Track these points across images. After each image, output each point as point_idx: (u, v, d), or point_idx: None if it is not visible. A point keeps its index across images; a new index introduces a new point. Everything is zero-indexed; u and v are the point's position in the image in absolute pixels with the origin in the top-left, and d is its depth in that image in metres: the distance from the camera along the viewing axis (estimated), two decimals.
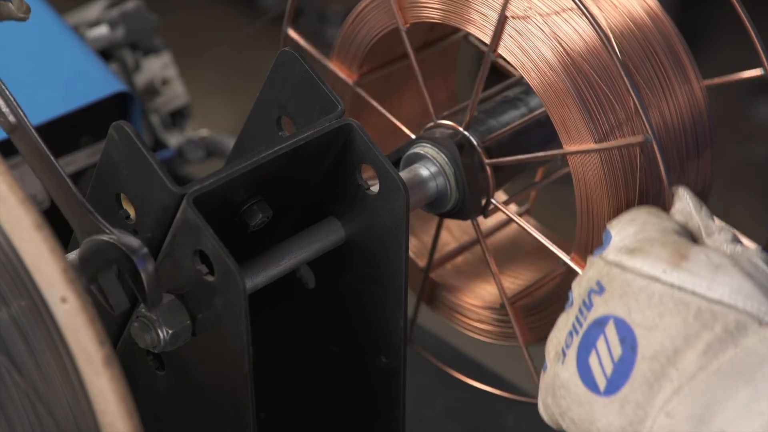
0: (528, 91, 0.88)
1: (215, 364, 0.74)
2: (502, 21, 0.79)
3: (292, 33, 0.91)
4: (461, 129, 0.84)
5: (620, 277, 0.69)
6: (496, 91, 0.90)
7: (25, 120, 0.69)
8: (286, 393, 0.88)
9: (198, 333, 0.73)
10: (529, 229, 0.84)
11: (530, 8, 0.79)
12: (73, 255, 0.69)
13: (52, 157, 0.68)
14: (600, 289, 0.69)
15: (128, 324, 0.75)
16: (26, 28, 1.10)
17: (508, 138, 0.86)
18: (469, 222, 0.87)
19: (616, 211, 0.79)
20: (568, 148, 0.79)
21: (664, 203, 0.77)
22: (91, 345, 0.59)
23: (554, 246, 0.83)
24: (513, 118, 0.87)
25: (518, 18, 0.79)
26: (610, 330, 0.68)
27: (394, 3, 0.85)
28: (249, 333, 0.71)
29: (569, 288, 0.84)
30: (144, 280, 0.67)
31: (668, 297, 0.67)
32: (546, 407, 0.73)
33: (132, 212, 0.73)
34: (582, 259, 0.82)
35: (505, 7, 0.78)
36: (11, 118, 0.69)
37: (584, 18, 0.76)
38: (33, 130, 0.68)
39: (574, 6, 0.77)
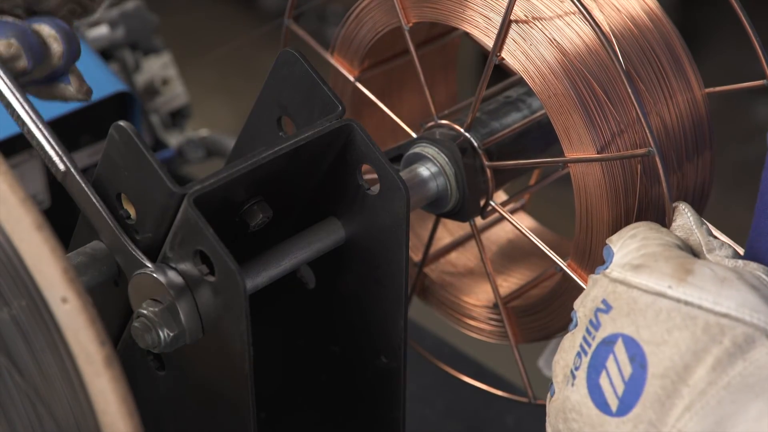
0: (530, 92, 0.88)
1: (215, 364, 0.74)
2: (506, 25, 0.79)
3: (293, 26, 0.91)
4: (462, 130, 0.84)
5: (626, 294, 0.68)
6: (497, 90, 0.90)
7: (74, 167, 0.73)
8: (286, 393, 0.88)
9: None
10: (527, 234, 0.84)
11: (534, 12, 0.79)
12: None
13: (102, 203, 0.73)
14: (606, 307, 0.69)
15: (128, 324, 0.75)
16: None
17: (509, 140, 0.86)
18: None
19: (616, 220, 0.79)
20: (570, 155, 0.79)
21: (664, 212, 0.77)
22: (92, 345, 0.59)
23: (551, 251, 0.83)
24: (514, 120, 0.87)
25: (521, 22, 0.79)
26: (619, 349, 0.67)
27: (397, 2, 0.85)
28: (249, 333, 0.71)
29: (564, 293, 0.84)
30: (181, 313, 0.71)
31: (676, 312, 0.66)
32: None
33: (132, 212, 0.73)
34: (579, 266, 0.82)
35: (509, 11, 0.78)
36: (61, 167, 0.73)
37: (587, 23, 0.76)
38: (82, 177, 0.72)
39: (577, 10, 0.77)
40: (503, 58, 0.80)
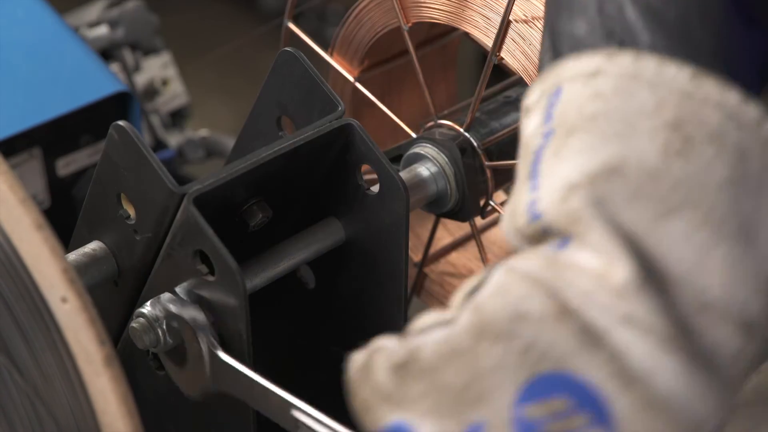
0: None
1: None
2: (505, 25, 0.79)
3: (292, 26, 0.91)
4: (462, 130, 0.84)
5: None
6: (497, 90, 0.90)
7: None
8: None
9: None
10: None
11: (533, 12, 0.79)
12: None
13: None
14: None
15: (128, 324, 0.75)
16: (26, 28, 1.10)
17: (509, 140, 0.86)
18: None
19: None
20: None
21: None
22: (92, 345, 0.60)
23: None
24: (514, 119, 0.87)
25: (521, 21, 0.79)
26: None
27: (396, 2, 0.85)
28: (249, 333, 0.71)
29: None
30: (204, 355, 0.71)
31: None
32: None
33: (132, 212, 0.73)
34: None
35: (508, 11, 0.78)
36: None
37: None
38: None
39: None
40: (503, 58, 0.80)
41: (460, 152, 0.83)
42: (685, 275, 0.54)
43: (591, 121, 0.56)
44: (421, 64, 0.86)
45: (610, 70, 0.56)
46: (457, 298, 0.58)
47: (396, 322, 0.79)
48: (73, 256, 0.74)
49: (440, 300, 0.94)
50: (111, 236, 0.74)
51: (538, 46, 0.78)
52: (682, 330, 0.53)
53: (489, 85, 0.88)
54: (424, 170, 0.83)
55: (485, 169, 0.84)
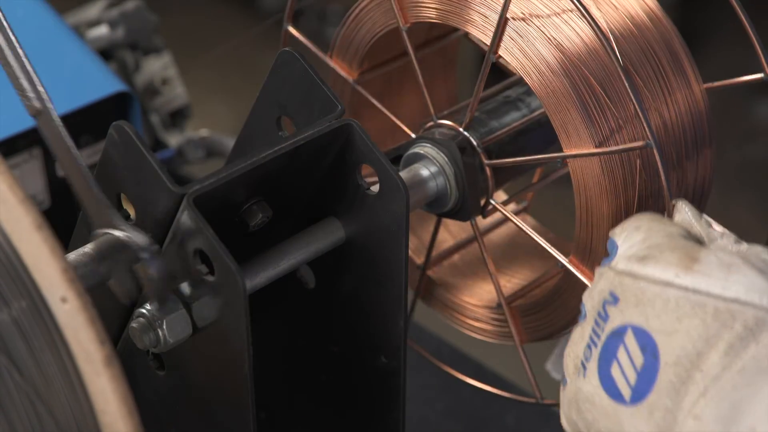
0: (530, 91, 0.88)
1: (215, 364, 0.74)
2: (502, 22, 0.79)
3: (292, 30, 0.91)
4: (461, 129, 0.84)
5: (633, 285, 0.68)
6: (497, 90, 0.90)
7: (50, 106, 0.69)
8: (286, 393, 0.88)
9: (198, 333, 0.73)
10: (528, 231, 0.84)
11: (531, 10, 0.79)
12: (86, 249, 0.69)
13: (74, 147, 0.69)
14: (614, 299, 0.69)
15: (128, 324, 0.75)
16: (26, 28, 1.10)
17: (509, 139, 0.86)
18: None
19: (616, 215, 0.79)
20: (568, 151, 0.79)
21: (663, 206, 0.77)
22: (92, 345, 0.59)
23: (553, 248, 0.83)
24: (514, 119, 0.87)
25: (519, 19, 0.79)
26: (630, 339, 0.68)
27: (394, 2, 0.85)
28: (249, 333, 0.71)
29: (567, 290, 0.84)
30: (151, 277, 0.69)
31: (684, 300, 0.66)
32: (571, 422, 0.72)
33: (132, 212, 0.73)
34: (580, 262, 0.82)
35: (505, 8, 0.78)
36: (36, 103, 0.70)
37: (585, 20, 0.76)
38: (57, 118, 0.69)
39: (575, 8, 0.77)
40: (500, 56, 0.80)
41: (460, 151, 0.83)
42: None
43: None
44: (420, 66, 0.86)
45: None
46: None
47: (396, 322, 0.79)
48: (73, 256, 0.74)
49: (444, 303, 0.94)
50: None
51: (536, 44, 0.78)
52: None
53: (490, 85, 0.88)
54: (423, 170, 0.84)
55: (485, 167, 0.84)
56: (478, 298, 0.93)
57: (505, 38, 0.80)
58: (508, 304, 0.88)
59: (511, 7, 0.79)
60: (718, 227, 0.75)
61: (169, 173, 0.71)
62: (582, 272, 0.81)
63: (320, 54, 0.91)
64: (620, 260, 0.70)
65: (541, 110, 0.87)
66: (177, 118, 1.33)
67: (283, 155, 0.74)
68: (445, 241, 0.97)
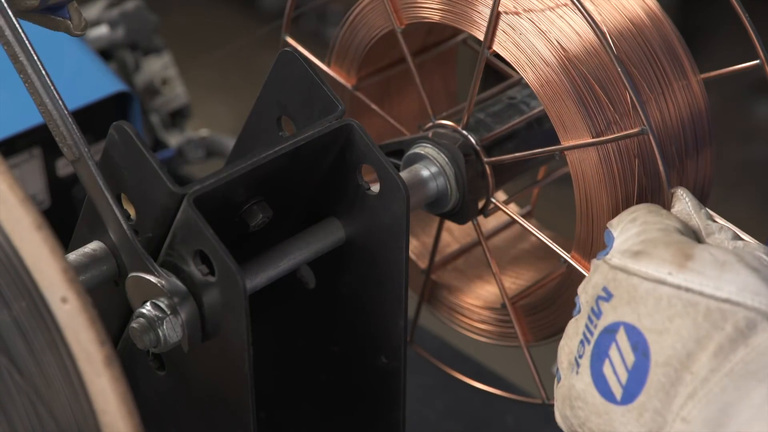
0: (533, 95, 0.88)
1: (216, 364, 0.74)
2: (495, 17, 0.79)
3: (290, 40, 0.91)
4: (460, 129, 0.84)
5: (626, 281, 0.68)
6: (498, 91, 0.90)
7: (86, 153, 0.72)
8: (286, 393, 0.88)
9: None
10: (528, 227, 0.84)
11: (523, 4, 0.79)
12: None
13: (111, 193, 0.72)
14: (607, 295, 0.69)
15: (128, 324, 0.75)
16: (26, 28, 1.10)
17: (508, 138, 0.86)
18: (469, 223, 0.87)
19: (615, 207, 0.79)
20: (566, 144, 0.79)
21: (662, 197, 0.77)
22: (92, 345, 0.59)
23: (553, 243, 0.83)
24: (512, 118, 0.87)
25: (512, 14, 0.79)
26: (621, 337, 0.67)
27: (388, 4, 0.85)
28: (249, 333, 0.71)
29: (570, 287, 0.84)
30: (184, 324, 0.72)
31: (676, 299, 0.66)
32: (564, 418, 0.72)
33: (132, 212, 0.73)
34: (582, 257, 0.82)
35: (497, 2, 0.79)
36: (74, 151, 0.72)
37: (578, 13, 0.77)
38: (94, 165, 0.72)
39: (568, 1, 0.77)
40: (495, 51, 0.80)
41: (460, 150, 0.83)
42: None
43: None
44: (419, 69, 0.86)
45: None
46: None
47: (396, 322, 0.79)
48: (73, 256, 0.74)
49: (449, 306, 0.94)
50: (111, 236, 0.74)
51: (529, 37, 0.79)
52: None
53: (491, 85, 0.88)
54: (423, 170, 0.84)
55: (485, 166, 0.84)
56: (481, 300, 0.93)
57: (499, 33, 0.80)
58: (512, 304, 0.88)
59: (504, 1, 0.79)
60: (720, 220, 0.74)
61: (169, 173, 0.71)
62: (584, 267, 0.81)
63: (319, 63, 0.91)
64: (615, 254, 0.70)
65: (540, 108, 0.87)
66: (177, 118, 1.33)
67: (283, 155, 0.74)
68: (448, 245, 0.97)
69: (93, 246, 0.75)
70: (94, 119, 1.09)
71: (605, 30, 0.79)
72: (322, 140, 0.76)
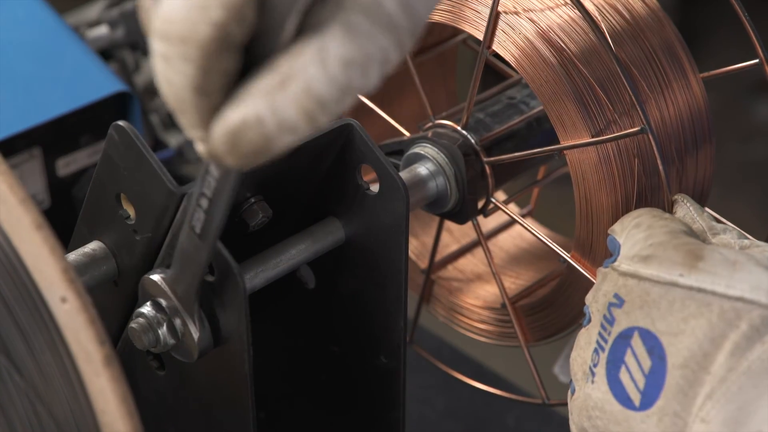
0: (533, 94, 0.88)
1: (215, 364, 0.74)
2: (494, 17, 0.79)
3: None
4: (459, 128, 0.84)
5: (638, 286, 0.68)
6: (497, 91, 0.90)
7: (214, 239, 0.67)
8: (286, 393, 0.88)
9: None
10: (528, 228, 0.84)
11: (523, 4, 0.79)
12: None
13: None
14: (619, 301, 0.68)
15: (128, 324, 0.75)
16: (26, 28, 1.10)
17: (507, 138, 0.86)
18: (469, 223, 0.87)
19: (615, 207, 0.79)
20: (565, 143, 0.79)
21: (662, 198, 0.77)
22: (91, 345, 0.59)
23: (553, 243, 0.83)
24: (512, 118, 0.87)
25: (511, 13, 0.79)
26: (636, 342, 0.67)
27: None
28: (249, 333, 0.71)
29: (570, 287, 0.84)
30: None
31: (690, 300, 0.66)
32: (581, 430, 0.72)
33: (132, 212, 0.73)
34: (582, 257, 0.82)
35: (496, 2, 0.79)
36: (197, 230, 0.67)
37: (578, 13, 0.77)
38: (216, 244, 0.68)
39: (568, 1, 0.77)
40: (494, 51, 0.80)
41: (459, 150, 0.83)
42: None
43: None
44: (419, 70, 0.86)
45: None
46: None
47: (396, 322, 0.79)
48: (73, 256, 0.74)
49: (449, 306, 0.94)
50: (111, 236, 0.74)
51: (528, 36, 0.79)
52: None
53: (491, 85, 0.88)
54: (423, 170, 0.84)
55: (484, 165, 0.84)
56: (481, 299, 0.93)
57: (499, 33, 0.80)
58: (512, 304, 0.88)
59: (503, 1, 0.79)
60: (721, 221, 0.74)
61: (169, 173, 0.71)
62: (584, 267, 0.81)
63: None
64: (623, 260, 0.69)
65: (539, 108, 0.87)
66: None
67: (283, 155, 0.74)
68: (448, 245, 0.97)
69: (92, 246, 0.75)
70: (94, 119, 1.09)
71: (605, 29, 0.79)
72: (321, 140, 0.76)
